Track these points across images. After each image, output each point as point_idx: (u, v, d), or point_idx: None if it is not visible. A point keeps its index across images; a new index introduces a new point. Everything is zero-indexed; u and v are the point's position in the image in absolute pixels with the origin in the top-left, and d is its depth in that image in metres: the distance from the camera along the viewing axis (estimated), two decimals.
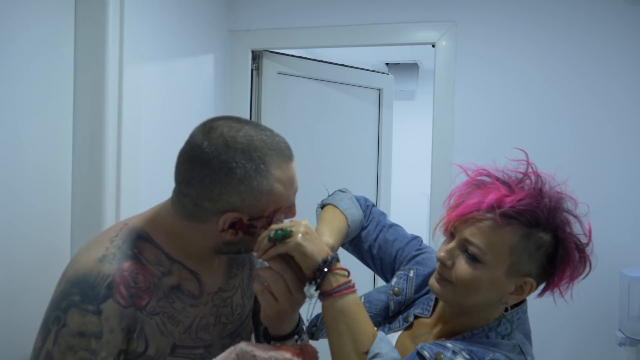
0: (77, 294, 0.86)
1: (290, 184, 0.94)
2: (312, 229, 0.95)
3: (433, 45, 2.15)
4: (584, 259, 0.95)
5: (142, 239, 0.95)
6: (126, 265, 0.90)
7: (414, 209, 3.88)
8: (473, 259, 0.92)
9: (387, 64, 4.25)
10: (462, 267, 0.92)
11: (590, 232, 0.96)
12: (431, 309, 1.07)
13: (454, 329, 0.99)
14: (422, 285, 1.11)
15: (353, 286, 0.92)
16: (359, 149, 2.72)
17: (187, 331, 0.96)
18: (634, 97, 1.97)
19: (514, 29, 2.06)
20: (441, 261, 0.96)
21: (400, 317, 1.09)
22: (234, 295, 1.07)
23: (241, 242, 0.95)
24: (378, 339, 0.90)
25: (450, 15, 2.12)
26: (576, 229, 0.95)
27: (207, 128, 0.90)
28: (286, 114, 2.45)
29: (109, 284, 0.87)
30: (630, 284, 1.75)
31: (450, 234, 0.98)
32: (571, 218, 0.95)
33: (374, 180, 2.78)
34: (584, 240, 0.95)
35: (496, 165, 0.99)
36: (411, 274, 1.13)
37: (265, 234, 0.92)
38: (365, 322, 0.92)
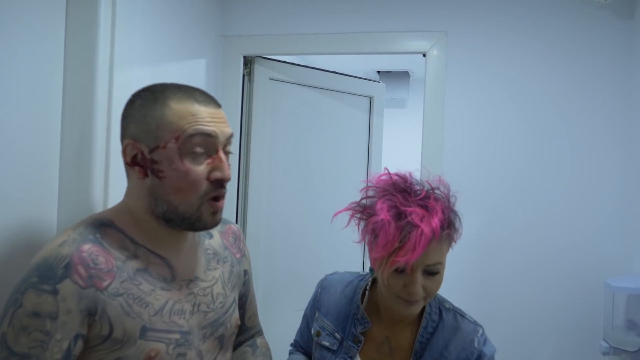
0: (35, 276, 0.86)
1: (188, 117, 0.95)
2: None
3: (424, 55, 2.17)
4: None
5: (104, 225, 0.97)
6: (86, 247, 0.91)
7: None
8: (436, 272, 1.06)
9: (379, 72, 4.28)
10: (433, 283, 1.06)
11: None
12: (367, 319, 1.16)
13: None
14: (341, 309, 1.20)
15: None
16: (349, 156, 2.72)
17: (158, 314, 0.96)
18: (624, 108, 2.00)
19: (504, 40, 2.09)
20: (418, 298, 1.06)
21: (349, 342, 1.15)
22: (213, 285, 1.09)
23: (162, 196, 0.96)
24: None
25: (441, 26, 2.14)
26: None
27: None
28: (277, 120, 2.45)
29: (66, 264, 0.87)
30: (615, 294, 1.77)
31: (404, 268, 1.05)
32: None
33: None
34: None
35: (376, 185, 1.22)
36: (317, 315, 1.23)
37: None
38: None
